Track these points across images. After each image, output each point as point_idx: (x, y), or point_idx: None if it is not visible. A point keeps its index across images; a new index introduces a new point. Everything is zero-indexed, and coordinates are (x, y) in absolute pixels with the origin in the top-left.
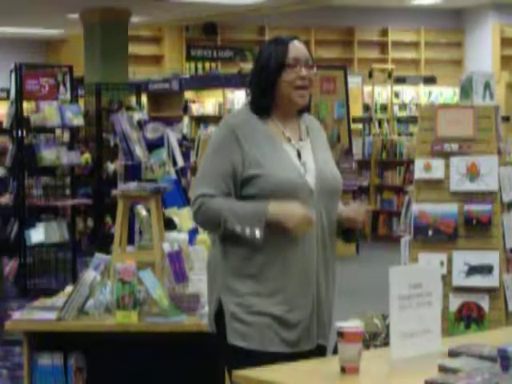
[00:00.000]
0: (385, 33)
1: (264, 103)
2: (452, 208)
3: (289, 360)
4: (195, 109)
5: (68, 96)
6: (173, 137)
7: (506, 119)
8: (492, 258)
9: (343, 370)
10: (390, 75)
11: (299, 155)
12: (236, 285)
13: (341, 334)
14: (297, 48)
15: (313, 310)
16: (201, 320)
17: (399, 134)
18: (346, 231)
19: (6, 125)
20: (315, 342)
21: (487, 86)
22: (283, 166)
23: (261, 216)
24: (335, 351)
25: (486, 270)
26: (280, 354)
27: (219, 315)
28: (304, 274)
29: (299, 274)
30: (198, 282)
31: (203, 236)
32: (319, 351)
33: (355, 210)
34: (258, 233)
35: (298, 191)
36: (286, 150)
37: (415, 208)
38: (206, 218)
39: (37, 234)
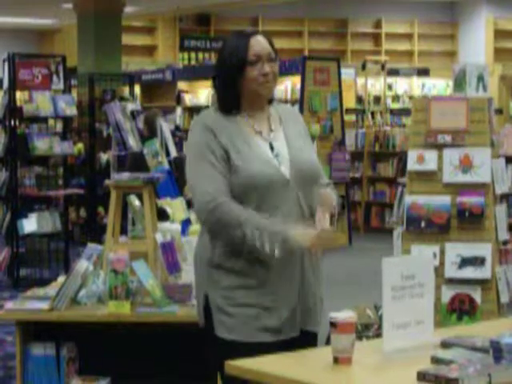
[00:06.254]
0: (378, 24)
1: (230, 100)
2: (445, 200)
3: (275, 348)
4: (188, 99)
5: (61, 86)
6: (166, 127)
7: (499, 111)
8: (484, 249)
9: (336, 360)
10: (383, 67)
11: (271, 147)
12: (221, 278)
13: (334, 325)
14: (258, 43)
15: (298, 297)
16: (193, 310)
17: (392, 126)
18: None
19: None
20: (299, 329)
21: (480, 78)
22: (255, 160)
23: (283, 235)
24: (328, 341)
25: (479, 261)
26: (265, 343)
27: (207, 309)
28: (288, 263)
29: (283, 262)
30: (191, 273)
31: (196, 227)
32: (305, 338)
33: (326, 198)
34: (277, 252)
35: (273, 183)
36: (258, 144)
37: (408, 200)
38: (222, 224)
39: (29, 224)
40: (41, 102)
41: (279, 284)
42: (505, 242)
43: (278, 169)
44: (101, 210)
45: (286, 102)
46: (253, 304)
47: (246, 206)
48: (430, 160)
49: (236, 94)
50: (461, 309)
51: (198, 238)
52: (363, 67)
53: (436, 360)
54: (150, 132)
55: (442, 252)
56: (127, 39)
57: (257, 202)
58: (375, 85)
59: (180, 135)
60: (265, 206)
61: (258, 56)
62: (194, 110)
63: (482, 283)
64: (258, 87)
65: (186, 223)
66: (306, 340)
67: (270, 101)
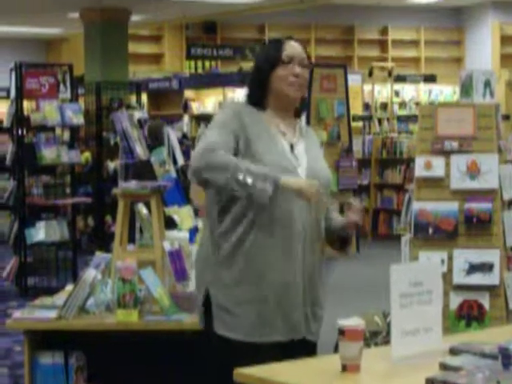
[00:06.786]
0: (385, 31)
1: (258, 97)
2: (452, 206)
3: (273, 351)
4: (195, 107)
5: (68, 95)
6: (173, 135)
7: (506, 117)
8: (492, 255)
9: (344, 368)
10: (390, 74)
11: (292, 149)
12: (223, 275)
13: (342, 332)
14: (292, 46)
15: (299, 300)
16: None
17: (399, 133)
18: (342, 238)
19: (6, 124)
20: (303, 333)
21: (487, 84)
22: (277, 153)
23: (275, 177)
24: (336, 349)
25: (487, 267)
26: (265, 344)
27: (207, 306)
28: (289, 261)
29: (284, 261)
30: None
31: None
32: (306, 346)
33: (356, 212)
34: (270, 189)
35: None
36: (280, 141)
37: (416, 206)
38: (214, 161)
39: (37, 233)
40: (48, 111)
41: (281, 281)
42: None
43: (296, 167)
44: (108, 218)
45: None
46: (254, 301)
47: (252, 201)
48: (438, 166)
49: (265, 93)
50: (469, 315)
51: (200, 236)
52: (370, 74)
53: (444, 367)
54: (153, 142)
55: (450, 258)
56: (134, 48)
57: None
58: (382, 91)
59: (187, 143)
60: (272, 203)
61: (290, 57)
62: (200, 119)
63: (490, 289)
64: (286, 87)
65: (193, 231)
66: (306, 348)
67: (298, 113)
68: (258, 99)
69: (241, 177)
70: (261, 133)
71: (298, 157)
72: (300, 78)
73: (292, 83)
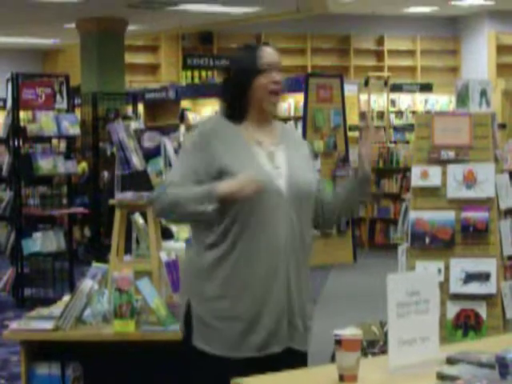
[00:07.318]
0: (381, 41)
1: (238, 109)
2: (449, 215)
3: (255, 364)
4: (192, 117)
5: (64, 105)
6: (169, 146)
7: (502, 126)
8: (489, 265)
9: (341, 378)
10: (386, 83)
11: (271, 159)
12: (205, 288)
13: (339, 342)
14: (269, 53)
15: (282, 314)
16: None
17: (396, 142)
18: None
19: (2, 134)
20: (284, 345)
21: (483, 93)
22: (252, 167)
23: (208, 194)
24: (333, 359)
25: (484, 277)
26: (244, 358)
27: (187, 318)
28: (272, 276)
29: (267, 275)
30: None
31: None
32: (293, 356)
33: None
34: (207, 207)
35: (267, 193)
36: (257, 153)
37: (412, 215)
38: (165, 205)
39: (34, 244)
40: (44, 122)
41: (264, 296)
42: (510, 257)
43: (272, 180)
44: (102, 229)
45: (289, 119)
46: (235, 316)
47: (237, 214)
48: (434, 176)
49: (244, 103)
50: (466, 324)
51: (185, 248)
52: (366, 83)
53: (442, 376)
54: None
55: (447, 268)
56: (130, 58)
57: (247, 211)
58: (378, 101)
59: None
60: (255, 216)
61: (269, 65)
62: None
63: (487, 299)
64: (267, 96)
65: (190, 242)
66: (293, 359)
67: (275, 116)
68: (236, 112)
69: (189, 208)
70: (234, 150)
71: (279, 167)
72: (280, 85)
73: (274, 91)
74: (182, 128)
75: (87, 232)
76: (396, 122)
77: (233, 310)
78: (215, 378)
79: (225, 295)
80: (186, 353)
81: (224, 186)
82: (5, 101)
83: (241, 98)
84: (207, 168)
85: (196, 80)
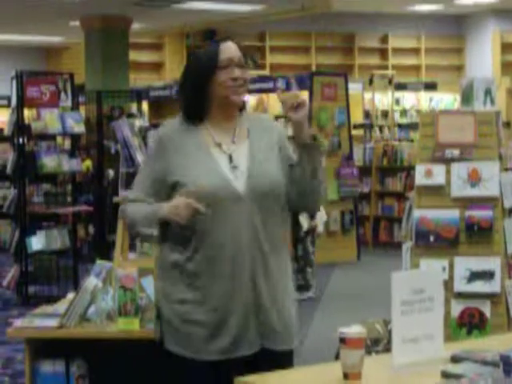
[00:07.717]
0: (385, 39)
1: (195, 108)
2: (453, 214)
3: (228, 364)
4: None
5: (69, 103)
6: None
7: (506, 125)
8: (493, 263)
9: (346, 376)
10: (390, 81)
11: (231, 160)
12: (171, 291)
13: (343, 340)
14: (228, 48)
15: (247, 315)
16: None
17: (400, 141)
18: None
19: (7, 132)
20: (255, 347)
21: (488, 91)
22: (207, 173)
23: (154, 217)
24: (337, 357)
25: (488, 275)
26: (214, 361)
27: (159, 321)
28: (234, 279)
29: (229, 279)
30: None
31: None
32: (268, 356)
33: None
34: (154, 232)
35: (223, 197)
36: (215, 156)
37: (416, 214)
38: (127, 221)
39: (38, 242)
40: (49, 120)
41: (225, 297)
42: None
43: (230, 182)
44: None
45: None
46: (198, 321)
47: (196, 223)
48: (438, 174)
49: (203, 101)
50: (470, 323)
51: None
52: (370, 82)
53: (446, 375)
54: None
55: (451, 266)
56: (134, 56)
57: (206, 220)
58: (383, 99)
59: None
60: (215, 220)
61: (227, 60)
62: None
63: (491, 297)
64: (227, 92)
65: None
66: (272, 359)
67: (241, 110)
68: (195, 111)
69: (137, 229)
70: (190, 157)
71: (238, 167)
72: (240, 80)
73: (231, 87)
74: None
75: (91, 230)
76: (400, 120)
77: (195, 314)
78: (185, 379)
79: (186, 300)
80: (159, 353)
81: (164, 210)
82: (9, 98)
83: (199, 97)
84: (164, 178)
85: None
